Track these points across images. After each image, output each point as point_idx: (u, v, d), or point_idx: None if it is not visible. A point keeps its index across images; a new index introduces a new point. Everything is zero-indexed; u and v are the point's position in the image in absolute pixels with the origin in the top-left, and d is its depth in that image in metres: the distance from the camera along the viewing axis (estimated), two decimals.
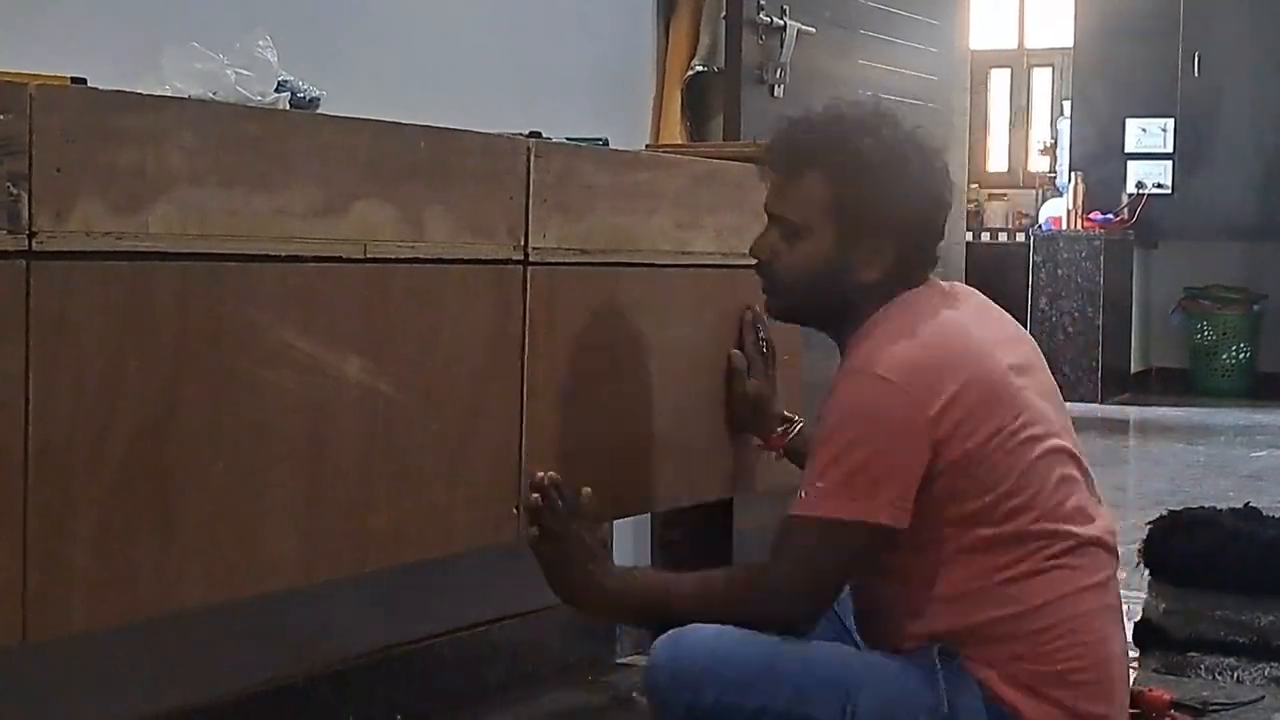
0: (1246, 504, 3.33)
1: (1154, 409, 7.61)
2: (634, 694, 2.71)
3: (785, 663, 1.81)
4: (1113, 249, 7.90)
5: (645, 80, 3.07)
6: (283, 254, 1.71)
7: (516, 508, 2.04)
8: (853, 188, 1.88)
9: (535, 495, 1.94)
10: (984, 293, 2.05)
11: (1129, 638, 1.94)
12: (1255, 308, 8.12)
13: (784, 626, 1.83)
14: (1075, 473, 1.89)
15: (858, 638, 2.01)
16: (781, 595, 1.83)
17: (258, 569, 1.72)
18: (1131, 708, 2.09)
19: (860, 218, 1.89)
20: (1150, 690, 2.56)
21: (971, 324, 1.91)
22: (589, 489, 1.97)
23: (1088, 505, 1.89)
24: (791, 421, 2.37)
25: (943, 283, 1.98)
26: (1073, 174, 8.22)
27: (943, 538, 1.82)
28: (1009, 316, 2.01)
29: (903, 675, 1.82)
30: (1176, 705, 2.60)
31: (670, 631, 1.85)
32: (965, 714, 1.80)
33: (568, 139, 2.27)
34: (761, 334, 2.42)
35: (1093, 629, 1.84)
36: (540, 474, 1.95)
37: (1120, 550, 1.96)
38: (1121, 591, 1.98)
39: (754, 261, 1.99)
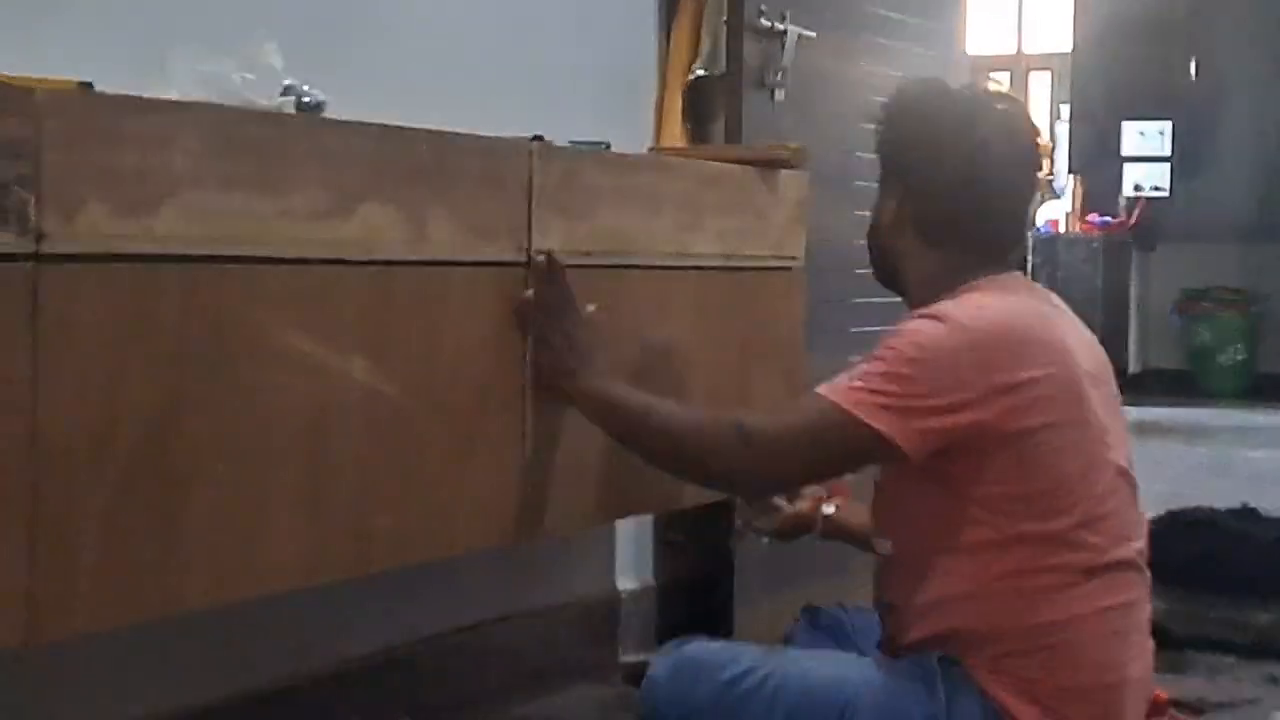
0: (1245, 504, 3.34)
1: (1153, 410, 7.62)
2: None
3: (781, 681, 1.81)
4: (1111, 251, 7.91)
5: (647, 84, 3.08)
6: (287, 256, 1.71)
7: (519, 508, 2.04)
8: (883, 134, 2.01)
9: (543, 257, 1.98)
10: None
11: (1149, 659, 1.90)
12: (1253, 309, 8.14)
13: (744, 486, 1.85)
14: (1125, 488, 1.86)
15: (860, 645, 2.02)
16: (763, 455, 1.82)
17: (261, 569, 1.72)
18: None
19: (883, 156, 2.00)
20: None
21: (1056, 317, 1.90)
22: (595, 307, 2.02)
23: (1129, 525, 1.86)
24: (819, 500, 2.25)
25: (1026, 279, 1.99)
26: (1071, 177, 8.24)
27: (975, 519, 1.78)
28: (1082, 324, 1.98)
29: (901, 686, 1.80)
30: (1175, 704, 2.61)
31: (668, 647, 1.86)
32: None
33: (570, 142, 2.27)
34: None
35: (1108, 650, 1.80)
36: (558, 254, 1.99)
37: None
38: None
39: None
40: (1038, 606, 1.77)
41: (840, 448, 1.81)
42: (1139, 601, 1.86)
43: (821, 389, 1.82)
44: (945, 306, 1.84)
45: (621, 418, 1.95)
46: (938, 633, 1.82)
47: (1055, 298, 1.99)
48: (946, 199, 1.91)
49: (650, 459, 1.95)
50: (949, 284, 1.89)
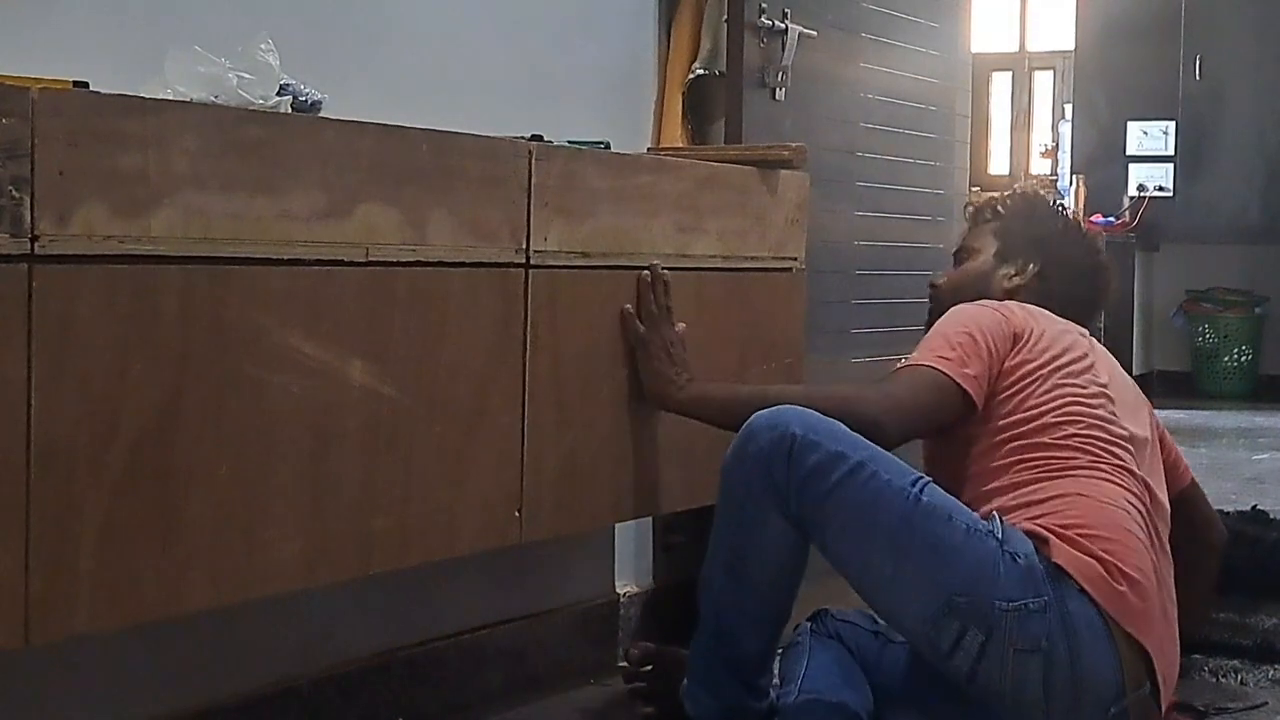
0: (1253, 506, 3.33)
1: (1156, 411, 7.60)
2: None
3: (868, 453, 2.07)
4: (1114, 252, 7.86)
5: (647, 84, 3.07)
6: (285, 257, 1.71)
7: (519, 510, 2.04)
8: (1017, 221, 2.53)
9: (647, 274, 2.24)
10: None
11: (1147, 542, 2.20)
12: (1257, 310, 8.12)
13: (877, 429, 2.12)
14: (1124, 430, 2.28)
15: (873, 677, 2.28)
16: (888, 403, 2.17)
17: (261, 571, 1.72)
18: None
19: (1017, 237, 2.51)
20: None
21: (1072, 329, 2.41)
22: (684, 324, 2.28)
23: (1126, 426, 2.28)
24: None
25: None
26: (1074, 177, 8.22)
27: (997, 431, 2.21)
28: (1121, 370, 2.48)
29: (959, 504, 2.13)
30: (1180, 707, 2.60)
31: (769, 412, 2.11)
32: (1014, 539, 2.05)
33: (569, 142, 2.27)
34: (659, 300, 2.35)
35: (1103, 516, 2.11)
36: (660, 267, 2.25)
37: None
38: None
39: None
40: (1052, 485, 2.16)
41: (939, 397, 2.21)
42: (1134, 471, 2.24)
43: (905, 362, 2.25)
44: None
45: (741, 411, 2.14)
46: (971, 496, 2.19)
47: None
48: (1068, 285, 2.53)
49: None
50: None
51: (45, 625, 1.51)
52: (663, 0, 3.09)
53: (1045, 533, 2.07)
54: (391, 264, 1.84)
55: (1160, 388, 8.31)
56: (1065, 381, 2.26)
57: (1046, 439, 2.20)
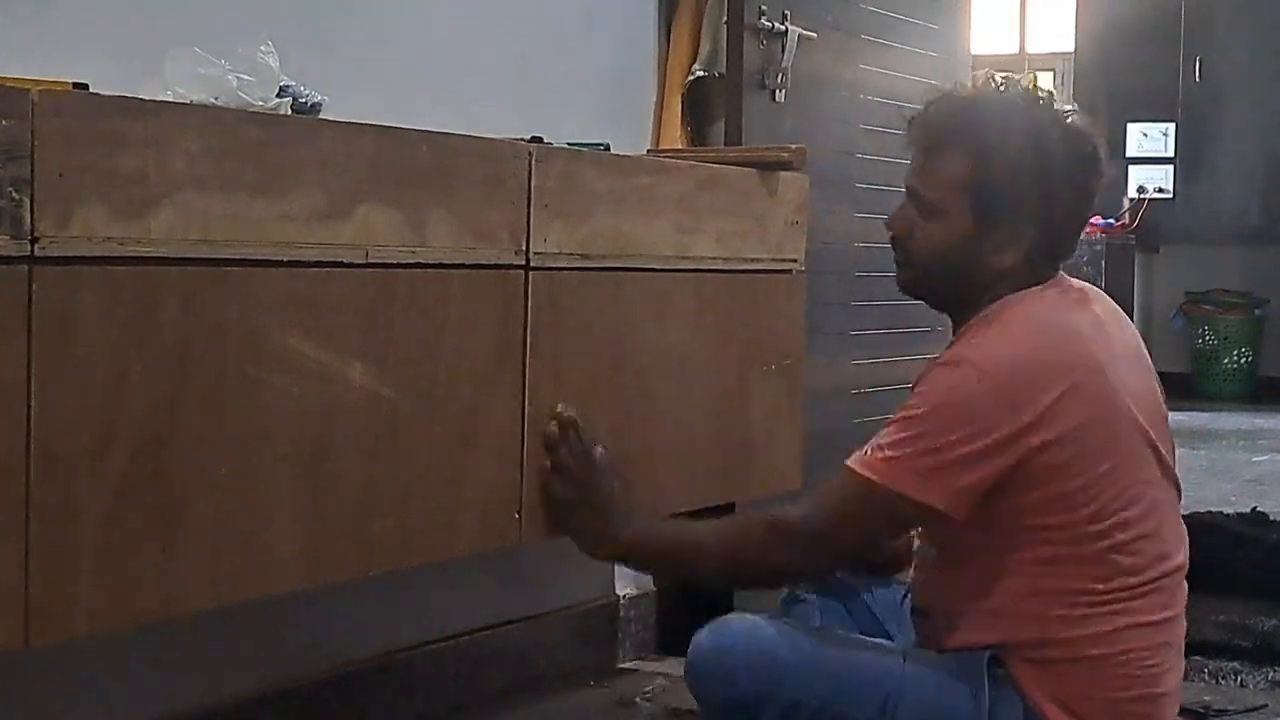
0: (1253, 508, 3.33)
1: None
2: (637, 699, 2.70)
3: (826, 660, 1.80)
4: (1114, 253, 7.89)
5: (646, 85, 3.07)
6: (285, 259, 1.71)
7: (518, 511, 2.04)
8: (993, 172, 1.83)
9: (553, 425, 1.99)
10: None
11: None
12: (1257, 312, 8.12)
13: (810, 575, 1.84)
14: (1166, 498, 1.86)
15: (889, 628, 2.00)
16: (816, 544, 1.82)
17: (261, 573, 1.72)
18: None
19: (999, 202, 1.83)
20: None
21: (1091, 334, 1.83)
22: (601, 448, 2.04)
23: (1171, 540, 1.85)
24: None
25: (1073, 281, 1.91)
26: None
27: (1019, 545, 1.77)
28: (1130, 325, 1.95)
29: (946, 684, 1.79)
30: (1180, 710, 2.59)
31: (712, 623, 1.86)
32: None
33: (569, 144, 2.27)
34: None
35: (1148, 664, 1.80)
36: (561, 407, 2.00)
37: None
38: None
39: (890, 235, 1.94)
40: (1085, 620, 1.77)
41: (882, 519, 1.81)
42: (1180, 615, 1.87)
43: (854, 463, 1.79)
44: (963, 349, 1.82)
45: (666, 563, 2.00)
46: (983, 641, 1.81)
47: (1103, 300, 1.94)
48: (1068, 225, 1.89)
49: (711, 583, 1.97)
50: (1012, 294, 1.85)
51: (45, 626, 1.51)
52: (662, 2, 3.09)
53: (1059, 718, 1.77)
54: (391, 265, 1.84)
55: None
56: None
57: (1088, 549, 1.77)
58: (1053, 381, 1.75)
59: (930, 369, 1.83)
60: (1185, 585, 1.89)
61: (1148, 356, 1.94)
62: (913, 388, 1.83)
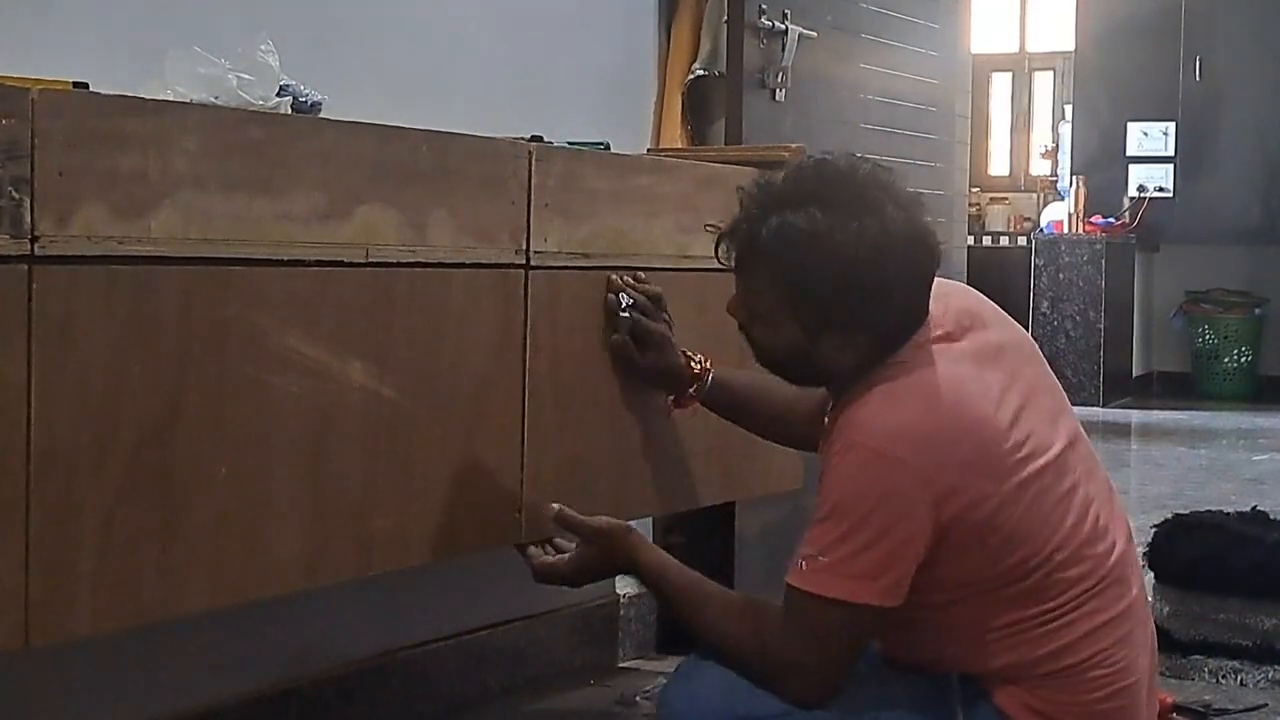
0: (1254, 507, 3.33)
1: (1156, 412, 7.61)
2: (637, 698, 2.70)
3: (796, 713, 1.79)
4: (1114, 252, 7.89)
5: (646, 84, 3.07)
6: (285, 258, 1.71)
7: (519, 510, 2.04)
8: (806, 292, 1.75)
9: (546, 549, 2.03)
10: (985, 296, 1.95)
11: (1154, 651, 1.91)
12: (1257, 311, 8.12)
13: (802, 701, 1.78)
14: (1091, 488, 1.83)
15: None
16: (798, 673, 1.78)
17: (262, 573, 1.72)
18: None
19: (821, 314, 1.76)
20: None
21: (969, 376, 1.78)
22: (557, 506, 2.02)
23: (1109, 523, 1.83)
24: (699, 373, 2.20)
25: (930, 311, 1.82)
26: (1074, 177, 8.23)
27: (964, 598, 1.78)
28: (1001, 314, 1.90)
29: (917, 703, 1.80)
30: (1178, 708, 2.60)
31: (682, 674, 1.87)
32: None
33: (569, 143, 2.27)
34: (632, 300, 2.17)
35: (1116, 660, 1.80)
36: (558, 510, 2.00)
37: None
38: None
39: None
40: (1042, 640, 1.78)
41: (855, 630, 1.77)
42: (1137, 598, 1.87)
43: (798, 583, 1.74)
44: (855, 434, 1.74)
45: (677, 605, 1.95)
46: (954, 671, 1.81)
47: (957, 308, 1.85)
48: (906, 314, 1.78)
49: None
50: (863, 377, 1.79)
51: (45, 626, 1.51)
52: (663, 1, 3.09)
53: None
54: (391, 265, 1.84)
55: (1160, 389, 8.32)
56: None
57: (1029, 583, 1.76)
58: (953, 446, 1.71)
59: (833, 458, 1.76)
60: (1138, 560, 1.90)
61: (1030, 341, 1.91)
62: (820, 479, 1.78)
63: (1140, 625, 1.87)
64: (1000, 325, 1.89)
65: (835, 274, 1.73)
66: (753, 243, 1.79)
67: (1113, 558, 1.82)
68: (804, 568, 1.74)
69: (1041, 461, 1.78)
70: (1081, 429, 1.90)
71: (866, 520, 1.71)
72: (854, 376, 1.80)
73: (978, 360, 1.81)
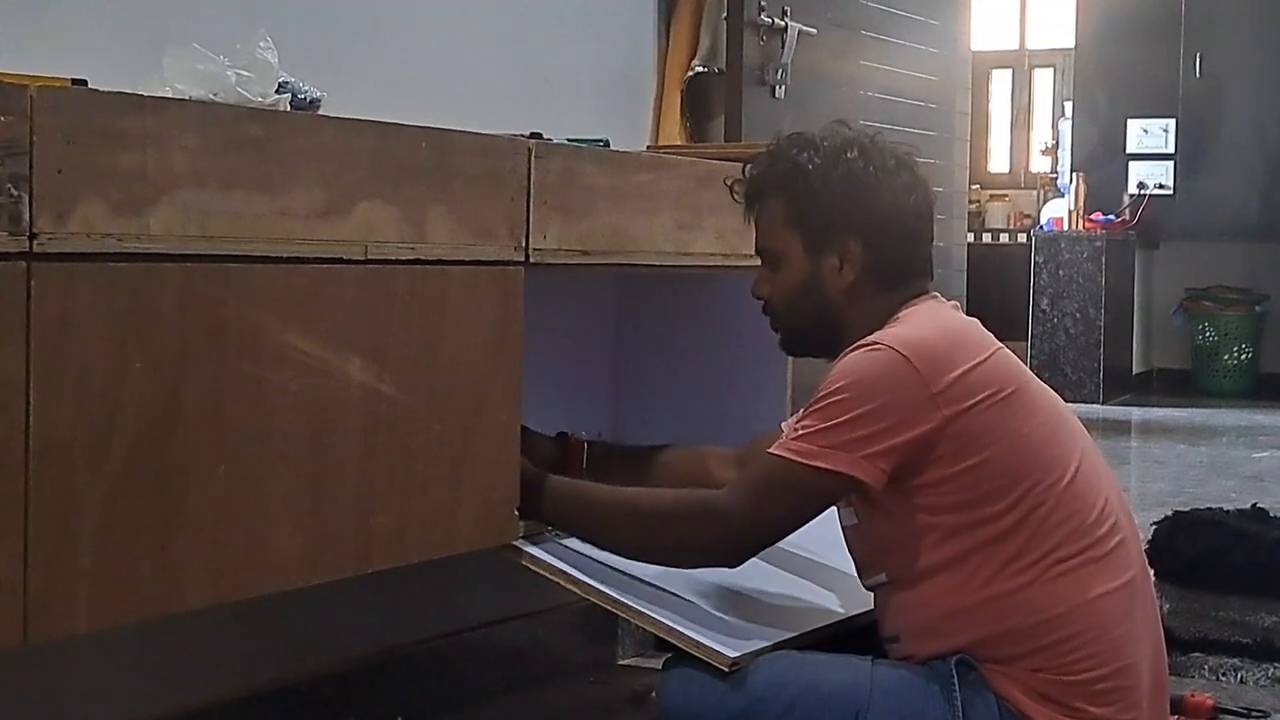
0: (1254, 505, 3.32)
1: (1156, 410, 7.61)
2: (637, 695, 2.70)
3: (794, 690, 1.81)
4: (1114, 250, 7.89)
5: (646, 81, 3.07)
6: (284, 255, 1.71)
7: (518, 508, 2.04)
8: (802, 195, 1.95)
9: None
10: (985, 294, 2.09)
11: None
12: (1257, 308, 8.12)
13: (723, 557, 1.86)
14: (1096, 464, 1.90)
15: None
16: (735, 526, 1.85)
17: (261, 570, 1.71)
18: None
19: (818, 223, 1.94)
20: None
21: (980, 329, 1.94)
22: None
23: (1111, 499, 1.88)
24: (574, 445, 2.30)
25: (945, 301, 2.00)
26: (1074, 174, 8.22)
27: (952, 530, 1.81)
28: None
29: (915, 691, 1.81)
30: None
31: (677, 672, 1.87)
32: None
33: (568, 140, 2.27)
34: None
35: (1115, 635, 1.81)
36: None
37: None
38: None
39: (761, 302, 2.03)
40: (1038, 601, 1.79)
41: (806, 497, 1.84)
42: (1138, 578, 1.87)
43: (775, 449, 1.84)
44: (877, 334, 1.88)
45: (587, 521, 1.98)
46: (950, 647, 1.83)
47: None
48: (896, 233, 1.96)
49: (620, 550, 1.97)
50: (889, 318, 1.92)
51: (44, 624, 1.51)
52: None
53: (1036, 710, 1.79)
54: (390, 262, 1.83)
55: (1160, 386, 8.32)
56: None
57: (1021, 517, 1.81)
58: (961, 354, 1.83)
59: (845, 354, 1.88)
60: (1141, 550, 1.92)
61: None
62: (825, 378, 1.87)
63: (1143, 606, 1.87)
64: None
65: (826, 170, 1.94)
66: (757, 170, 2.02)
67: (1106, 526, 1.84)
68: (785, 438, 1.85)
69: (1054, 407, 1.89)
70: (1091, 441, 1.94)
71: (852, 398, 1.80)
72: (859, 319, 1.92)
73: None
